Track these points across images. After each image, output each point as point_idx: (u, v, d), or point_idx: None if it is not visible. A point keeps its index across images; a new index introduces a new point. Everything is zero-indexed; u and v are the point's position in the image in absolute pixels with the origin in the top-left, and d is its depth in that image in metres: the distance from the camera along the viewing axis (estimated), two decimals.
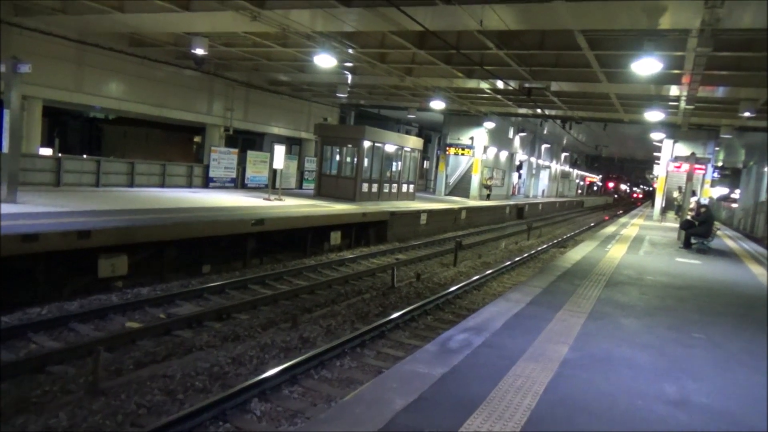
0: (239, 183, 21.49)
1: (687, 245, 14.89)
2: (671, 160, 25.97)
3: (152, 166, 19.34)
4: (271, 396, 5.87)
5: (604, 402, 3.95)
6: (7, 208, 10.08)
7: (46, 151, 21.14)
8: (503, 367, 4.45)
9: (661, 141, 26.96)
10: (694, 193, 20.47)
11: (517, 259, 16.16)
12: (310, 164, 25.22)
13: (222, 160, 20.81)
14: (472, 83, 19.43)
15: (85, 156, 21.90)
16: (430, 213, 20.60)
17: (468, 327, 5.61)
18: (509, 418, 3.52)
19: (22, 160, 14.87)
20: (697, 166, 21.43)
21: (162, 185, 18.97)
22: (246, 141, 30.13)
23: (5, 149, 10.60)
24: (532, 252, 17.97)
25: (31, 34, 15.53)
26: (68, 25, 15.85)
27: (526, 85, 18.19)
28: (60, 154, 20.27)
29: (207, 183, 20.34)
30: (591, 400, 3.97)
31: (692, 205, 17.55)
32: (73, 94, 17.75)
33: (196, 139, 33.73)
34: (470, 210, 24.80)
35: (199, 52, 16.44)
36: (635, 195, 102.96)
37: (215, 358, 6.67)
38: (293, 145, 30.77)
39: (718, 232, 17.74)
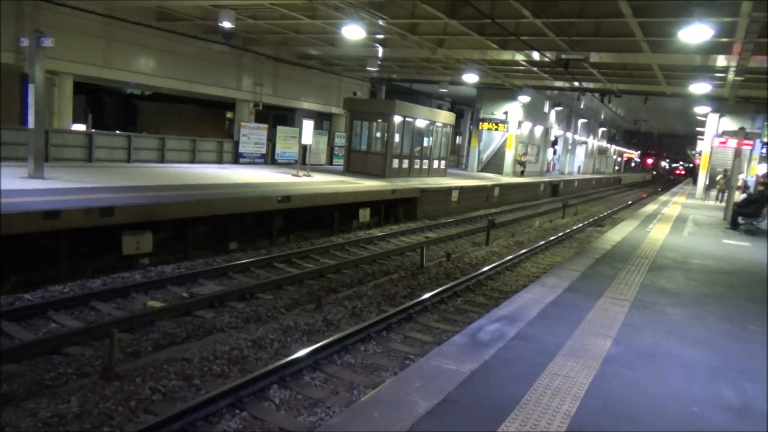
0: (269, 159, 21.28)
1: (734, 226, 14.09)
2: (716, 135, 24.71)
3: (182, 141, 19.25)
4: (291, 383, 5.60)
5: (654, 408, 3.53)
6: (34, 184, 10.03)
7: (80, 127, 21.26)
8: (539, 364, 4.05)
9: (705, 115, 25.68)
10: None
11: (551, 238, 15.58)
12: (341, 140, 24.83)
13: (252, 136, 20.59)
14: (506, 55, 18.67)
15: (117, 132, 21.96)
16: (462, 190, 20.07)
17: (501, 316, 5.21)
18: (546, 427, 3.14)
19: (54, 135, 14.98)
20: (745, 141, 20.28)
21: (192, 161, 18.88)
22: (277, 116, 29.91)
23: (31, 125, 10.49)
24: (568, 231, 17.35)
25: (59, 9, 15.44)
26: None
27: (564, 56, 17.37)
28: (93, 130, 20.39)
29: (237, 159, 20.18)
30: (639, 405, 3.55)
31: (740, 183, 16.63)
32: (103, 70, 17.70)
33: (229, 114, 33.71)
34: (503, 187, 24.17)
35: (227, 25, 16.14)
36: (678, 171, 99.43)
37: (235, 340, 6.45)
38: (324, 120, 30.43)
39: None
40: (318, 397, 5.38)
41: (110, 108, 33.77)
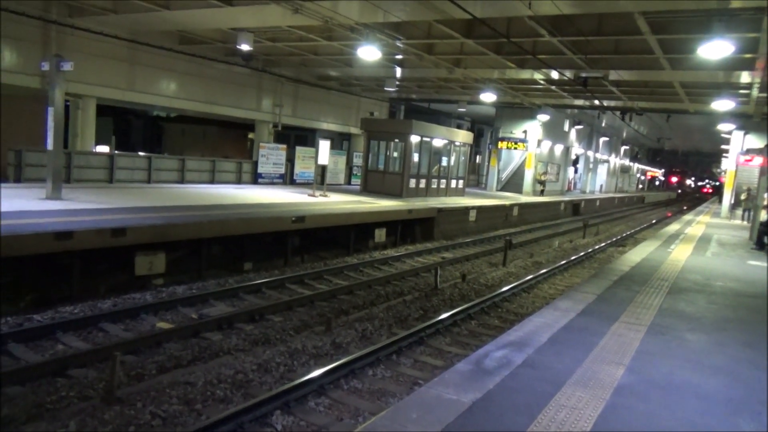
0: (288, 179, 21.40)
1: (760, 246, 13.65)
2: (741, 153, 24.16)
3: (202, 162, 19.49)
4: (294, 408, 5.47)
5: None
6: (50, 205, 10.15)
7: (103, 149, 21.65)
8: (545, 395, 3.86)
9: (729, 132, 25.17)
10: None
11: (572, 258, 15.28)
12: (359, 159, 24.87)
13: (271, 156, 20.76)
14: (524, 74, 18.56)
15: (140, 153, 22.35)
16: (480, 209, 19.87)
17: (509, 341, 5.03)
18: None
19: (76, 157, 15.26)
20: None
21: (212, 182, 19.06)
22: (298, 137, 30.18)
23: (50, 146, 10.67)
24: (588, 251, 17.00)
25: (83, 34, 15.78)
26: (119, 24, 16.03)
27: (583, 74, 17.19)
28: (115, 152, 20.75)
29: (256, 179, 20.34)
30: None
31: (766, 202, 16.14)
32: (126, 93, 18.04)
33: (251, 135, 34.14)
34: (522, 206, 23.88)
35: (245, 47, 16.35)
36: (705, 190, 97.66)
37: (241, 364, 6.34)
38: (343, 140, 30.58)
39: None
40: (321, 423, 5.25)
41: (137, 130, 34.52)
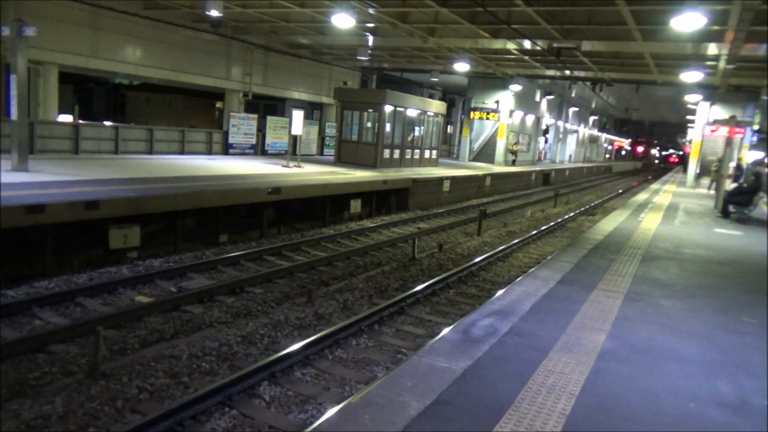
0: (259, 149, 21.08)
1: (725, 214, 14.11)
2: (707, 124, 24.74)
3: (171, 132, 19.00)
4: (281, 379, 5.52)
5: (651, 406, 3.46)
6: (18, 177, 9.83)
7: (66, 118, 20.93)
8: (533, 361, 3.97)
9: (696, 103, 25.70)
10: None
11: (543, 228, 15.55)
12: (331, 129, 24.62)
13: (241, 126, 20.37)
14: (498, 44, 18.53)
15: (105, 123, 21.67)
16: (454, 180, 19.99)
17: (493, 310, 5.13)
18: (541, 427, 3.06)
19: (39, 127, 14.72)
20: (736, 129, 20.29)
21: (181, 152, 18.64)
22: (267, 106, 29.65)
23: (14, 116, 10.27)
24: (560, 220, 17.32)
25: None
26: None
27: (555, 45, 17.26)
28: (80, 121, 20.08)
29: (226, 150, 19.96)
30: (635, 403, 3.48)
31: (730, 171, 16.64)
32: (89, 60, 17.41)
33: (218, 104, 33.34)
34: (495, 176, 24.10)
35: (214, 13, 15.90)
36: (672, 159, 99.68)
37: (225, 336, 6.34)
38: (314, 110, 30.19)
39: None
40: (309, 393, 5.30)
41: (98, 98, 33.35)
